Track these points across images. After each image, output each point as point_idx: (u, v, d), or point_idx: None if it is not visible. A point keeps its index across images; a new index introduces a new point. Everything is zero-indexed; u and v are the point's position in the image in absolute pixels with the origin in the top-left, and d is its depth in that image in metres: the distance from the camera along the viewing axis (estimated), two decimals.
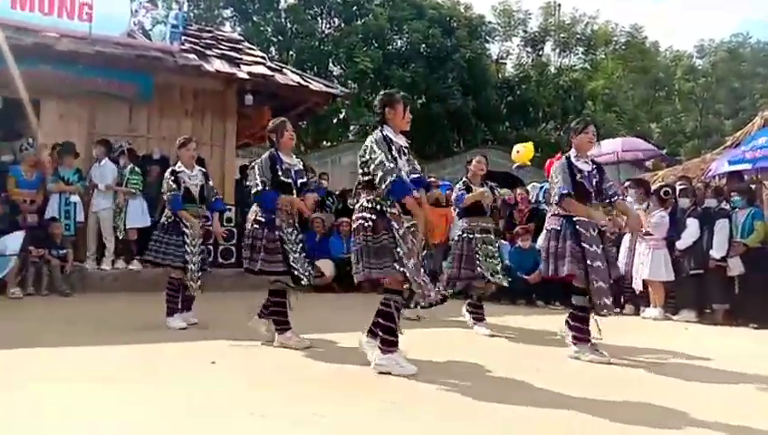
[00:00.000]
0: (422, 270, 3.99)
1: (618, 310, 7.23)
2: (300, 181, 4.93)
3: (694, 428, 2.99)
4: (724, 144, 13.42)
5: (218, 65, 9.56)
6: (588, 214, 4.58)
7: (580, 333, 4.64)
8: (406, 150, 4.13)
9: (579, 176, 4.66)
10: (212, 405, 3.18)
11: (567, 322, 4.75)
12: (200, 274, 5.69)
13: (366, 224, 3.93)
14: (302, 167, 5.05)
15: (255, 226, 4.82)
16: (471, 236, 5.91)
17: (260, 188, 4.74)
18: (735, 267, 6.87)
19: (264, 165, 4.79)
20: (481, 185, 6.05)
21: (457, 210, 6.19)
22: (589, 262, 4.49)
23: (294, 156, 5.11)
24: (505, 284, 6.05)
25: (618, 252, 7.95)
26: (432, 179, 9.89)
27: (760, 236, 6.85)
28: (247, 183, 5.62)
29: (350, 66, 19.04)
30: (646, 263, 7.45)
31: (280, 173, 4.79)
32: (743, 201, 7.08)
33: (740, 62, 25.05)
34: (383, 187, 3.83)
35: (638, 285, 7.55)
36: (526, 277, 8.13)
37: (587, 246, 4.52)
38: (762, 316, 6.69)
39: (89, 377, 3.68)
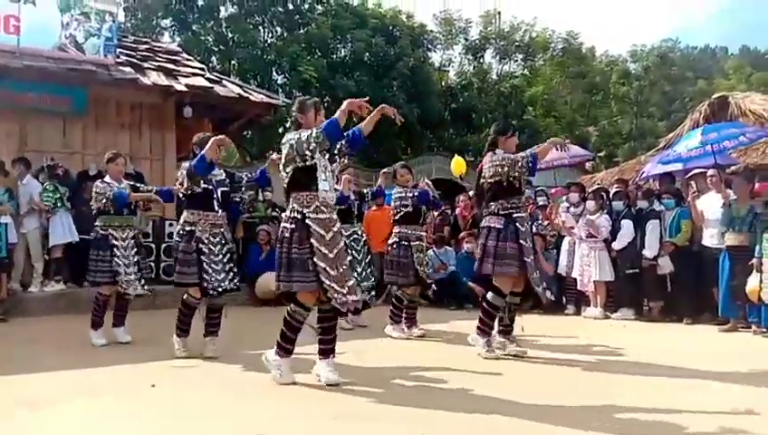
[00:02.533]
0: (350, 276, 3.97)
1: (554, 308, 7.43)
2: (221, 190, 4.97)
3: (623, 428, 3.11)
4: (658, 146, 14.03)
5: (155, 78, 9.37)
6: (553, 142, 4.91)
7: (484, 326, 4.89)
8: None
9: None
10: (155, 426, 3.12)
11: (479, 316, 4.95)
12: (142, 281, 5.69)
13: (287, 235, 3.95)
14: (225, 177, 5.07)
15: (177, 238, 4.93)
16: (407, 243, 6.06)
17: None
18: (666, 266, 7.16)
19: (185, 176, 4.84)
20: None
21: (393, 218, 6.31)
22: (525, 258, 4.72)
23: (219, 168, 5.09)
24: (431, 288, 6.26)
25: (558, 254, 8.22)
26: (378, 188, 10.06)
27: (687, 235, 7.17)
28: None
29: (293, 76, 18.96)
30: (593, 265, 7.68)
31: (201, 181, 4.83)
32: (673, 202, 7.38)
33: (670, 67, 26.17)
34: (314, 143, 3.85)
35: (589, 287, 7.76)
36: (472, 284, 8.24)
37: (523, 243, 4.74)
38: (694, 311, 7.01)
39: (18, 403, 3.55)
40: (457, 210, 9.81)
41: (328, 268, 3.85)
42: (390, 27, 20.91)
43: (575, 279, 7.91)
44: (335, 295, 3.84)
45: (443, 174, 17.18)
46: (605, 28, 57.81)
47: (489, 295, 4.85)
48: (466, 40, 23.60)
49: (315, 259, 3.85)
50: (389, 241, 6.24)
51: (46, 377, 4.31)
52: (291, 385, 3.94)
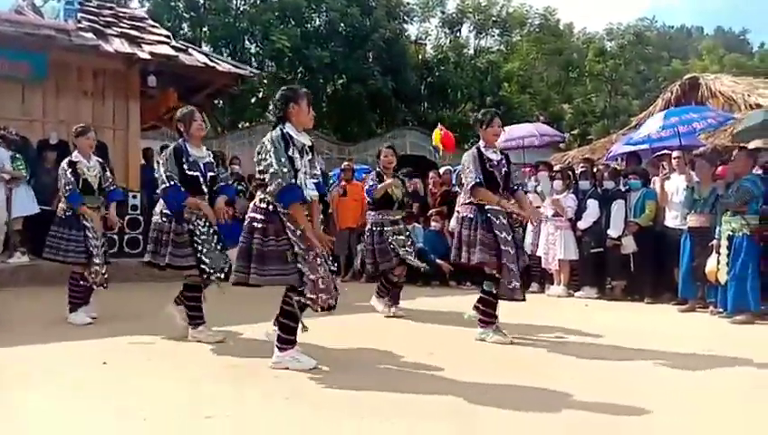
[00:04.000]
0: (324, 271, 3.80)
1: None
2: (209, 174, 4.73)
3: (575, 410, 3.13)
4: (630, 125, 14.13)
5: (118, 45, 9.07)
6: (499, 203, 4.70)
7: (487, 317, 4.80)
8: (309, 150, 3.92)
9: (488, 165, 4.77)
10: (102, 408, 3.06)
11: (476, 306, 4.88)
12: (105, 267, 5.45)
13: (257, 225, 3.77)
14: (211, 159, 4.85)
15: (163, 218, 4.64)
16: (381, 229, 5.96)
17: (167, 185, 4.54)
18: (629, 246, 7.23)
19: (169, 158, 4.59)
20: (393, 176, 6.14)
21: (369, 202, 6.21)
22: (502, 247, 4.62)
23: (205, 147, 4.90)
24: (422, 267, 6.18)
25: (524, 233, 8.25)
26: (346, 164, 10.01)
27: (651, 216, 7.23)
28: (156, 175, 5.35)
29: (266, 45, 18.56)
30: (558, 244, 7.73)
31: (186, 166, 4.58)
32: (638, 183, 7.43)
33: (646, 46, 26.19)
34: (272, 190, 3.69)
35: (554, 265, 7.80)
36: (440, 262, 8.24)
37: (498, 234, 4.64)
38: (655, 291, 7.11)
39: None
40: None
41: (306, 267, 3.69)
42: None
43: (539, 258, 7.96)
44: (312, 294, 3.69)
45: (417, 149, 17.14)
46: (583, 4, 57.66)
47: (485, 284, 4.78)
48: (443, 13, 23.32)
49: (296, 250, 3.70)
50: (366, 228, 6.16)
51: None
52: (244, 365, 3.88)
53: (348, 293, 6.15)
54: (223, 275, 4.58)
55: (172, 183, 4.54)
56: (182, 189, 4.56)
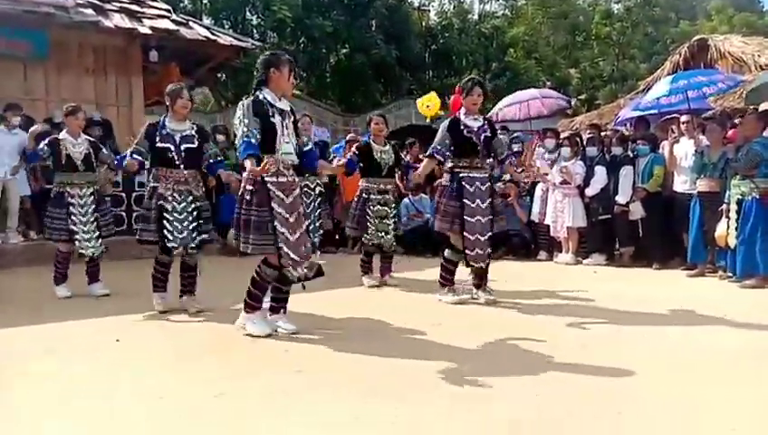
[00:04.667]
0: (306, 241, 3.94)
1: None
2: (185, 146, 4.78)
3: (584, 375, 3.14)
4: (638, 89, 13.92)
5: (118, 20, 8.98)
6: (417, 175, 5.10)
7: (444, 281, 5.11)
8: (290, 114, 4.00)
9: (466, 131, 4.89)
10: (110, 385, 3.10)
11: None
12: (99, 241, 5.61)
13: (247, 196, 3.87)
14: (193, 132, 4.87)
15: (144, 194, 4.89)
16: (367, 196, 6.00)
17: (126, 151, 4.88)
18: (637, 211, 7.18)
19: (141, 133, 4.82)
20: (383, 144, 6.14)
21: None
22: (466, 217, 4.78)
23: (189, 121, 4.93)
24: (391, 244, 6.15)
25: (531, 201, 8.23)
26: (351, 135, 9.92)
27: (659, 181, 7.16)
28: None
29: (268, 15, 18.32)
30: (566, 211, 7.68)
31: (158, 138, 4.72)
32: (647, 149, 7.34)
33: (653, 7, 25.69)
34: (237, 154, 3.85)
35: (562, 233, 7.78)
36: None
37: (468, 202, 4.78)
38: (663, 257, 7.09)
39: None
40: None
41: (287, 233, 3.80)
42: None
43: (548, 226, 7.94)
44: (288, 262, 3.81)
45: (422, 119, 16.97)
46: None
47: (446, 252, 5.06)
48: None
49: (276, 223, 3.79)
50: (356, 193, 6.19)
51: (5, 333, 4.25)
52: (260, 338, 3.92)
53: (356, 264, 6.25)
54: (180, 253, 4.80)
55: (126, 152, 4.87)
56: (127, 156, 4.81)
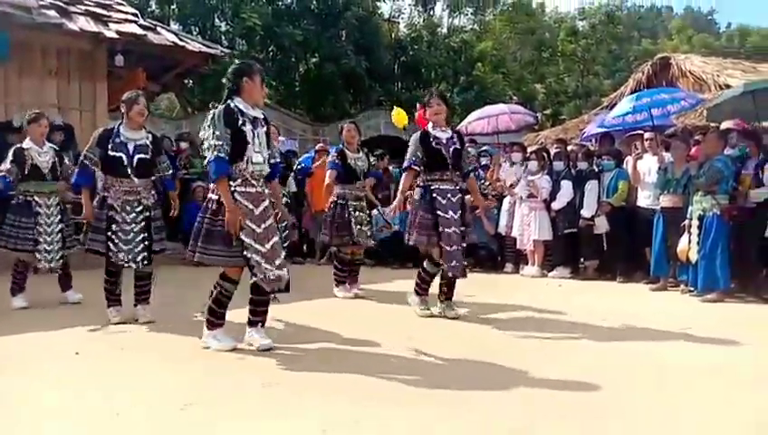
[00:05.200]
0: (280, 252, 3.84)
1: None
2: (138, 156, 4.68)
3: (546, 389, 3.16)
4: (602, 105, 14.23)
5: (83, 23, 8.76)
6: (401, 193, 5.00)
7: (420, 290, 5.09)
8: (264, 123, 3.94)
9: (435, 143, 4.89)
10: (73, 404, 2.99)
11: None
12: (60, 253, 5.44)
13: (212, 206, 3.79)
14: (148, 142, 4.78)
15: (96, 204, 4.71)
16: (344, 202, 6.00)
17: (79, 162, 4.73)
18: (602, 226, 7.31)
19: (93, 140, 4.69)
20: (357, 151, 6.18)
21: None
22: (441, 228, 4.77)
23: (144, 130, 4.84)
24: (371, 244, 6.31)
25: (498, 214, 8.30)
26: (321, 145, 9.88)
27: (623, 196, 7.30)
28: None
29: (237, 23, 18.17)
30: (533, 224, 7.77)
31: (110, 146, 4.61)
32: (612, 164, 7.49)
33: (616, 25, 26.33)
34: (205, 164, 3.77)
35: (529, 245, 7.85)
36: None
37: (441, 214, 4.78)
38: (627, 270, 7.21)
39: None
40: None
41: (256, 244, 3.71)
42: None
43: (514, 238, 8.02)
44: (261, 273, 3.71)
45: (392, 130, 17.00)
46: None
47: (425, 263, 5.04)
48: None
49: (242, 235, 3.70)
50: (330, 200, 6.14)
51: None
52: (226, 351, 3.84)
53: (325, 275, 6.20)
54: (124, 266, 4.67)
55: (81, 163, 4.70)
56: (87, 172, 4.71)
